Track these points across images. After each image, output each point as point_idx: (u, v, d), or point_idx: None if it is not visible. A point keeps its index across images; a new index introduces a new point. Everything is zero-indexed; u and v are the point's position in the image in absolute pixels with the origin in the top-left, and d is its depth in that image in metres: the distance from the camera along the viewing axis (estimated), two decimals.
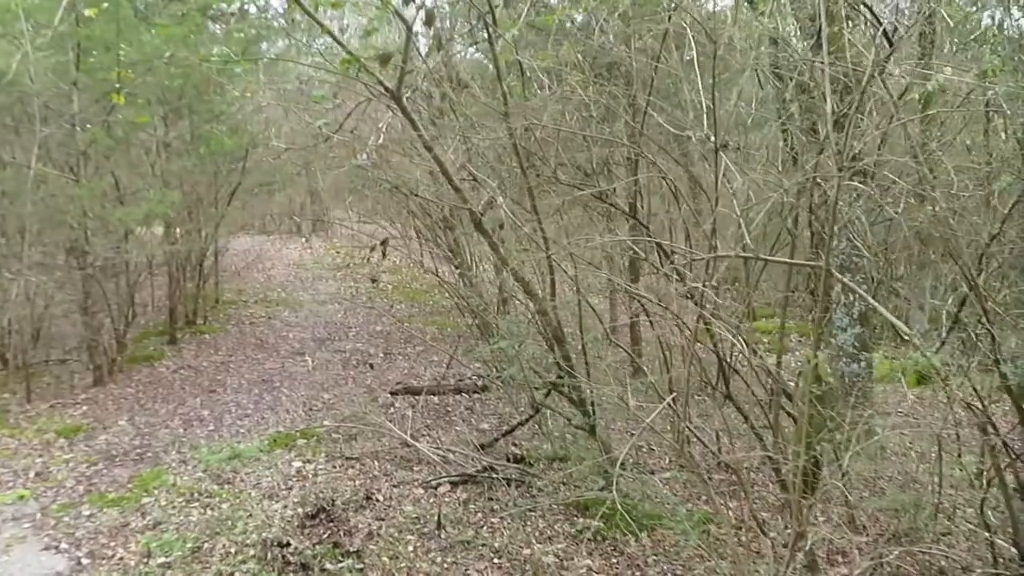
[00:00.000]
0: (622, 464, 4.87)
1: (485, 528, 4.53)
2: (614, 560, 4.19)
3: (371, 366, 8.31)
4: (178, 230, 10.11)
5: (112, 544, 4.35)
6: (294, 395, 7.28)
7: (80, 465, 5.61)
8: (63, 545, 4.35)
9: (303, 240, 19.65)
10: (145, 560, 4.11)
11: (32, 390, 7.34)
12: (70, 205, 6.99)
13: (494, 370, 6.92)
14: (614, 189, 5.62)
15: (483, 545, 4.30)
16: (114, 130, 7.64)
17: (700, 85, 4.19)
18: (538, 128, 5.08)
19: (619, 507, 3.63)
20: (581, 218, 6.78)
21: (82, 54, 7.17)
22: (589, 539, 4.33)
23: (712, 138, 3.97)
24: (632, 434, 5.02)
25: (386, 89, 4.22)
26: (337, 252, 17.69)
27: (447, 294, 11.34)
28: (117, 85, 5.38)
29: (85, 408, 6.96)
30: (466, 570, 4.05)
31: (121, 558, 4.16)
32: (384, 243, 6.80)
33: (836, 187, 3.00)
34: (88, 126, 7.15)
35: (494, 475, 5.17)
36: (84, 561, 4.15)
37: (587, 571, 4.07)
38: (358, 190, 16.54)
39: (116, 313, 8.24)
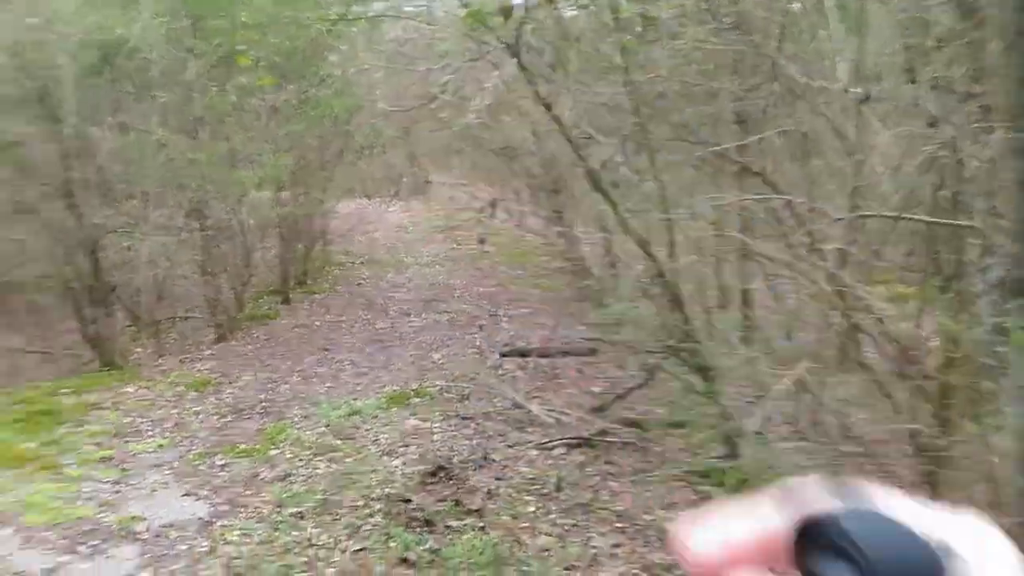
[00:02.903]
0: (742, 433, 4.74)
1: (604, 492, 4.49)
2: None
3: (480, 327, 8.37)
4: (288, 193, 10.42)
5: (246, 493, 4.54)
6: (405, 354, 7.42)
7: (211, 417, 5.89)
8: (202, 492, 4.58)
9: (404, 203, 19.93)
10: (278, 509, 4.27)
11: (161, 346, 7.76)
12: (190, 169, 7.26)
13: (604, 333, 6.87)
14: (738, 146, 5.38)
15: (603, 508, 4.27)
16: (228, 95, 7.87)
17: (835, 32, 3.93)
18: (658, 82, 4.91)
19: (744, 476, 3.51)
20: (692, 177, 6.57)
21: (197, 20, 7.39)
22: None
23: (854, 90, 3.72)
24: (753, 401, 4.87)
25: (504, 44, 4.15)
26: (437, 215, 17.87)
27: (551, 256, 11.31)
28: (241, 47, 5.49)
29: (211, 363, 7.30)
30: (587, 533, 4.02)
31: (256, 507, 4.34)
32: (493, 203, 6.78)
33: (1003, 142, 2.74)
34: (213, 90, 7.35)
35: (609, 439, 5.12)
36: (222, 508, 4.35)
37: None
38: (460, 153, 16.61)
39: (234, 273, 8.58)
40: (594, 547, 3.83)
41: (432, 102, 7.23)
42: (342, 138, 10.29)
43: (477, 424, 5.59)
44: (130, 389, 6.58)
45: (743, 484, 3.84)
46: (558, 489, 4.45)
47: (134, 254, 7.29)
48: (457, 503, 4.32)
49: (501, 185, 15.89)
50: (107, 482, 4.71)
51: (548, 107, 4.28)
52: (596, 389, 6.45)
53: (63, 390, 6.49)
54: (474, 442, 5.28)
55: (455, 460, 4.92)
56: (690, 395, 5.21)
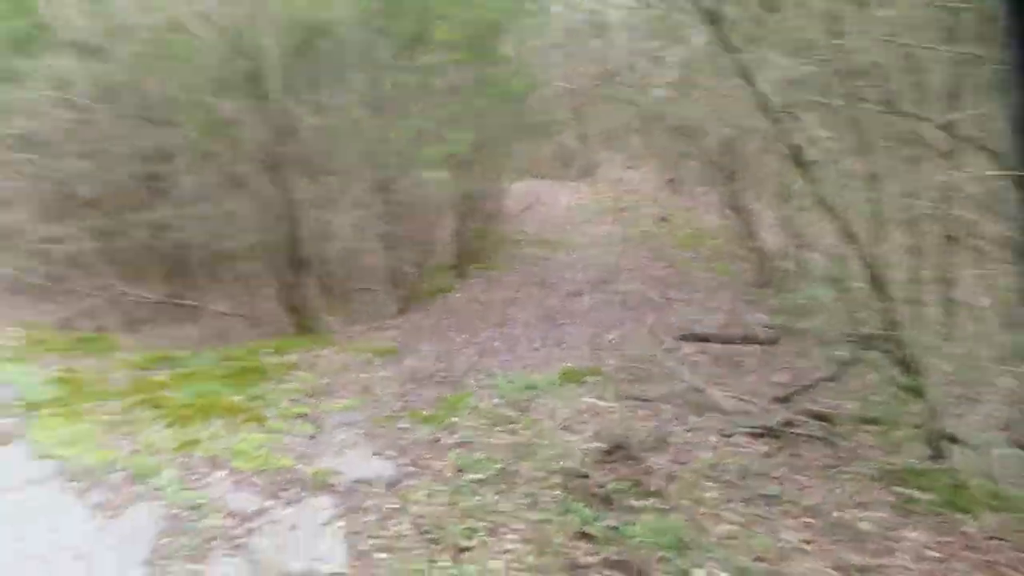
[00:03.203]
0: (953, 435, 4.34)
1: (790, 484, 4.26)
2: (948, 538, 3.73)
3: (652, 309, 8.22)
4: (465, 172, 10.70)
5: (429, 456, 4.71)
6: (578, 333, 7.41)
7: (394, 383, 6.17)
8: (389, 452, 4.80)
9: (572, 184, 19.94)
10: (459, 474, 4.39)
11: (350, 315, 8.23)
12: (380, 146, 7.59)
13: (788, 320, 6.53)
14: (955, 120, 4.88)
15: (790, 502, 4.06)
16: (415, 75, 8.16)
17: None
18: (866, 52, 4.54)
19: (956, 482, 3.20)
20: (899, 154, 6.06)
21: (390, 1, 7.70)
22: (914, 512, 3.91)
23: None
24: (966, 400, 4.45)
25: (704, 12, 3.98)
26: (606, 197, 17.74)
27: (725, 239, 10.91)
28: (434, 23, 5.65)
29: (393, 333, 7.66)
30: (774, 525, 3.83)
31: (439, 470, 4.49)
32: (673, 181, 6.61)
33: None
34: (402, 69, 7.65)
35: (795, 430, 4.86)
36: (408, 469, 4.53)
37: (915, 545, 3.68)
38: (630, 133, 16.32)
39: (416, 248, 8.94)
40: (783, 540, 3.64)
41: (613, 78, 7.15)
42: (518, 118, 10.41)
43: (653, 406, 5.48)
44: (323, 353, 7.03)
45: (956, 491, 3.52)
46: (743, 478, 4.28)
47: (328, 227, 7.76)
48: (637, 483, 4.26)
49: (673, 166, 15.53)
50: (304, 436, 5.06)
51: (747, 78, 4.07)
52: (778, 379, 6.15)
53: (265, 351, 7.05)
54: (651, 424, 5.18)
55: (632, 440, 4.85)
56: (890, 389, 4.84)
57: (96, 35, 6.73)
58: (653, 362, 6.23)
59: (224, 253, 9.16)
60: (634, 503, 4.07)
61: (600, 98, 9.24)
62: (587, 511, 3.93)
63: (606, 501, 4.07)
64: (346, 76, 7.35)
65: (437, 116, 7.84)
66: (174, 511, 3.90)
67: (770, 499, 4.10)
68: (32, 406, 5.39)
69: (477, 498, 4.10)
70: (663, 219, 12.69)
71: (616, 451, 4.77)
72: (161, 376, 6.24)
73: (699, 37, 4.99)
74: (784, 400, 5.34)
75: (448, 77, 7.88)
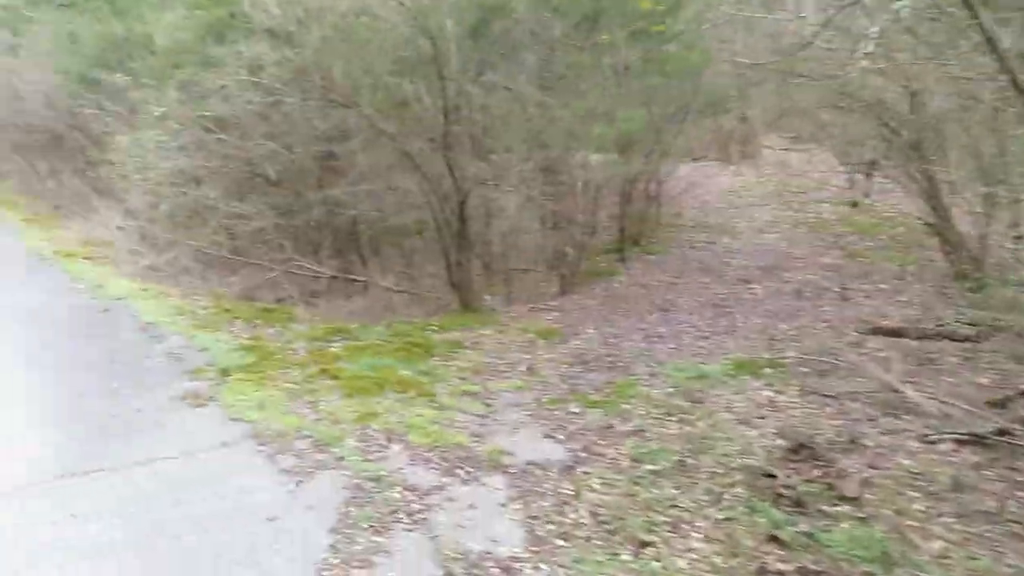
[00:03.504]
0: None
1: (1013, 502, 3.79)
2: None
3: (829, 300, 7.67)
4: (628, 153, 10.43)
5: (601, 443, 4.59)
6: (749, 322, 7.04)
7: (560, 366, 6.10)
8: (559, 436, 4.72)
9: (732, 167, 19.14)
10: (635, 464, 4.24)
11: (511, 294, 8.24)
12: (549, 126, 7.50)
13: (994, 317, 5.88)
14: None
15: (1015, 522, 3.60)
16: (587, 53, 7.99)
17: None
18: None
19: None
20: None
21: None
22: None
23: None
24: None
25: None
26: (769, 180, 16.91)
27: (908, 228, 10.06)
28: None
29: (556, 314, 7.59)
30: (998, 546, 3.42)
31: (613, 458, 4.36)
32: (873, 164, 6.07)
33: None
34: (574, 48, 7.51)
35: (1014, 440, 4.33)
36: (580, 455, 4.43)
37: None
38: (799, 114, 15.37)
39: (577, 229, 8.81)
40: (1011, 565, 3.23)
41: (804, 48, 6.68)
42: (687, 97, 10.02)
43: (840, 404, 5.08)
44: (487, 332, 7.07)
45: None
46: (955, 490, 3.85)
47: (493, 206, 7.79)
48: (829, 487, 3.94)
49: (851, 148, 14.50)
50: (475, 415, 5.07)
51: (993, 45, 3.60)
52: (983, 381, 5.54)
53: (431, 327, 7.18)
54: (838, 423, 4.80)
55: (818, 440, 4.51)
56: None
57: (288, 22, 7.03)
58: (836, 356, 5.78)
59: (392, 230, 9.45)
60: (827, 508, 3.76)
61: (780, 74, 8.64)
62: (776, 513, 3.68)
63: (796, 504, 3.79)
64: (518, 56, 7.29)
65: (608, 95, 7.64)
66: (356, 481, 4.00)
67: (990, 516, 3.67)
68: (223, 371, 5.73)
69: (656, 490, 3.94)
70: (854, 204, 11.88)
71: (801, 450, 4.44)
72: (336, 348, 6.48)
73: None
74: (999, 405, 4.78)
75: (620, 55, 7.64)
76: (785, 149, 20.25)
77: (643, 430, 4.72)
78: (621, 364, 6.08)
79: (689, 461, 4.26)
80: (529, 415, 5.09)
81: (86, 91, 13.39)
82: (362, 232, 9.48)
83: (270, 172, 9.34)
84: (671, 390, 5.41)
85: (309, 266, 9.48)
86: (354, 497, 3.83)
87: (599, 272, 9.35)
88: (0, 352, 6.35)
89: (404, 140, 7.09)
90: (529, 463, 4.31)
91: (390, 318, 8.19)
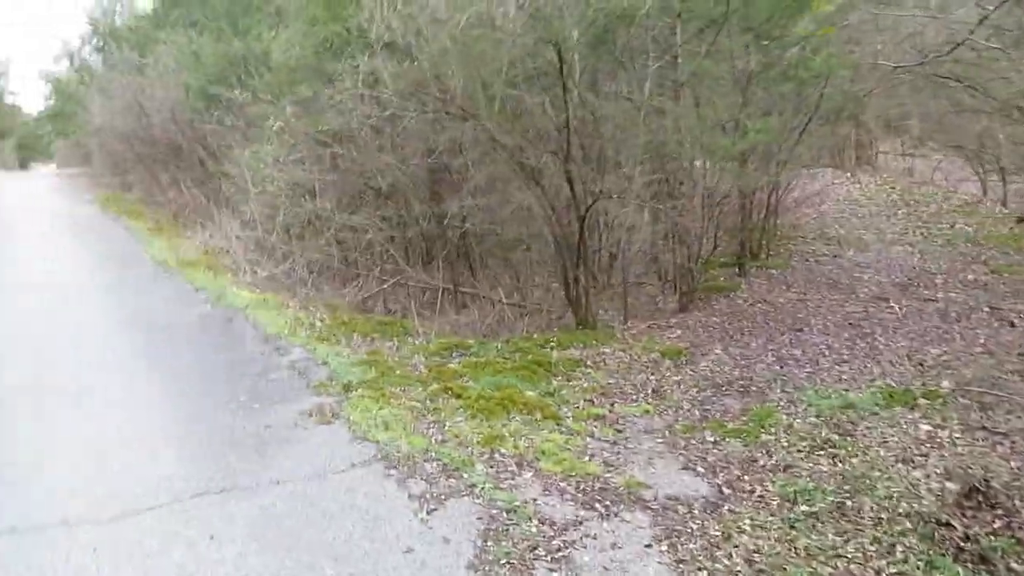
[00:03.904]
0: None
1: None
2: None
3: (980, 322, 7.05)
4: (747, 162, 9.97)
5: (745, 478, 4.27)
6: (892, 345, 6.52)
7: (690, 389, 5.78)
8: (699, 468, 4.43)
9: (847, 174, 18.23)
10: (788, 505, 3.91)
11: (628, 310, 7.95)
12: (672, 135, 7.19)
13: None
14: None
15: None
16: (711, 60, 7.64)
17: None
18: None
19: None
20: None
21: None
22: None
23: None
24: None
25: None
26: (890, 187, 16.00)
27: None
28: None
29: (678, 332, 7.26)
30: None
31: (761, 496, 4.04)
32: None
33: None
34: (698, 55, 7.19)
35: None
36: (724, 490, 4.13)
37: None
38: (939, 116, 14.42)
39: (695, 243, 8.44)
40: None
41: (953, 51, 6.18)
42: (811, 104, 9.48)
43: (1012, 442, 4.58)
44: (607, 350, 6.82)
45: None
46: None
47: (610, 220, 7.54)
48: (1018, 541, 3.50)
49: (983, 155, 13.52)
50: (605, 441, 4.83)
51: None
52: None
53: (549, 344, 6.98)
54: (1012, 464, 4.31)
55: (993, 483, 4.04)
56: None
57: (407, 34, 7.02)
58: (1001, 387, 5.25)
59: (502, 243, 9.32)
60: (1017, 567, 3.34)
61: (925, 78, 8.07)
62: (960, 570, 3.28)
63: (984, 561, 3.38)
64: (639, 64, 7.03)
65: (733, 103, 7.27)
66: (491, 511, 3.83)
67: None
68: (346, 387, 5.69)
69: (815, 536, 3.60)
70: (1020, 220, 11.07)
71: (975, 495, 3.99)
72: (456, 364, 6.37)
73: None
74: None
75: (745, 61, 7.28)
76: (908, 154, 19.17)
77: (791, 465, 4.37)
78: (755, 389, 5.72)
79: (848, 503, 3.89)
80: (663, 443, 4.81)
81: (206, 106, 13.95)
82: (473, 245, 9.40)
83: (383, 185, 9.39)
84: (815, 420, 5.02)
85: (421, 278, 9.47)
86: (489, 529, 3.66)
87: (719, 287, 8.93)
88: (133, 361, 6.54)
89: (522, 153, 6.94)
90: (670, 498, 4.04)
91: (503, 333, 8.06)
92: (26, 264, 11.71)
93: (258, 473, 4.26)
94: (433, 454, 4.49)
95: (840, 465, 4.36)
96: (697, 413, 5.32)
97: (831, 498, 3.94)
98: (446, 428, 4.93)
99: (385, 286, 9.67)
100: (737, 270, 9.41)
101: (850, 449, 4.54)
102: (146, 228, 15.44)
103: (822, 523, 3.71)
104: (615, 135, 7.10)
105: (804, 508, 3.87)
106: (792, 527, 3.67)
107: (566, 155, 6.71)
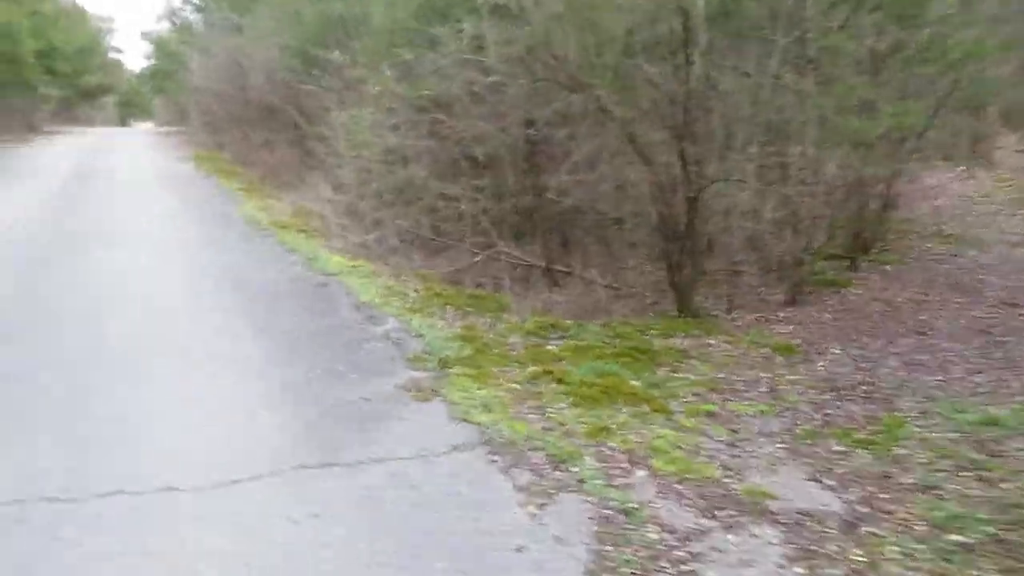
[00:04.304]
0: None
1: None
2: None
3: None
4: (864, 150, 9.33)
5: (882, 496, 3.88)
6: None
7: (808, 390, 5.37)
8: (827, 480, 4.05)
9: (960, 168, 17.10)
10: (936, 532, 3.51)
11: (731, 299, 7.54)
12: (799, 117, 6.70)
13: None
14: None
15: None
16: (843, 37, 7.07)
17: None
18: None
19: None
20: None
21: None
22: None
23: None
24: None
25: None
26: (1010, 185, 14.94)
27: None
28: None
29: (789, 327, 6.82)
30: None
31: (903, 519, 3.64)
32: None
33: None
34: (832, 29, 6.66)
35: None
36: (860, 508, 3.75)
37: None
38: None
39: (807, 233, 7.92)
40: None
41: None
42: (944, 89, 8.77)
43: None
44: (712, 341, 6.45)
45: None
46: None
47: (719, 202, 7.11)
48: None
49: None
50: (720, 441, 4.50)
51: None
52: None
53: (651, 331, 6.65)
54: None
55: None
56: None
57: None
58: None
59: (601, 222, 8.99)
60: None
61: None
62: None
63: None
64: (767, 39, 6.55)
65: (864, 85, 6.72)
66: (604, 511, 3.56)
67: None
68: (443, 363, 5.50)
69: (973, 572, 3.20)
70: None
71: None
72: (554, 346, 6.11)
73: None
74: None
75: (883, 38, 6.70)
76: None
77: (934, 486, 3.95)
78: (880, 395, 5.27)
79: (1010, 537, 3.46)
80: (784, 448, 4.45)
81: (304, 68, 13.94)
82: (569, 222, 9.09)
83: (480, 155, 9.14)
84: (954, 435, 4.56)
85: (515, 254, 9.23)
86: (605, 532, 3.39)
87: (828, 281, 8.41)
88: (232, 322, 6.51)
89: (634, 127, 6.56)
90: (800, 512, 3.68)
91: (597, 315, 7.74)
92: (122, 220, 11.96)
93: (358, 449, 4.10)
94: (537, 442, 4.24)
95: (991, 490, 3.92)
96: (818, 418, 4.92)
97: (988, 528, 3.52)
98: (548, 415, 4.68)
99: (476, 259, 9.46)
100: (848, 264, 8.84)
101: (1000, 471, 4.09)
102: (238, 187, 15.66)
103: (981, 559, 3.30)
104: (736, 112, 6.64)
105: (956, 538, 3.46)
106: (945, 560, 3.28)
107: (682, 131, 6.30)
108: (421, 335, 6.20)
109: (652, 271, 9.23)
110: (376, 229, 10.01)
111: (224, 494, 3.57)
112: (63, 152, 24.93)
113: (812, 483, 4.04)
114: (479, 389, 5.01)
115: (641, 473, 4.01)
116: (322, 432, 4.30)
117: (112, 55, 51.76)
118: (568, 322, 6.85)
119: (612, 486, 3.81)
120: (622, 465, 4.07)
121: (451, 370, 5.36)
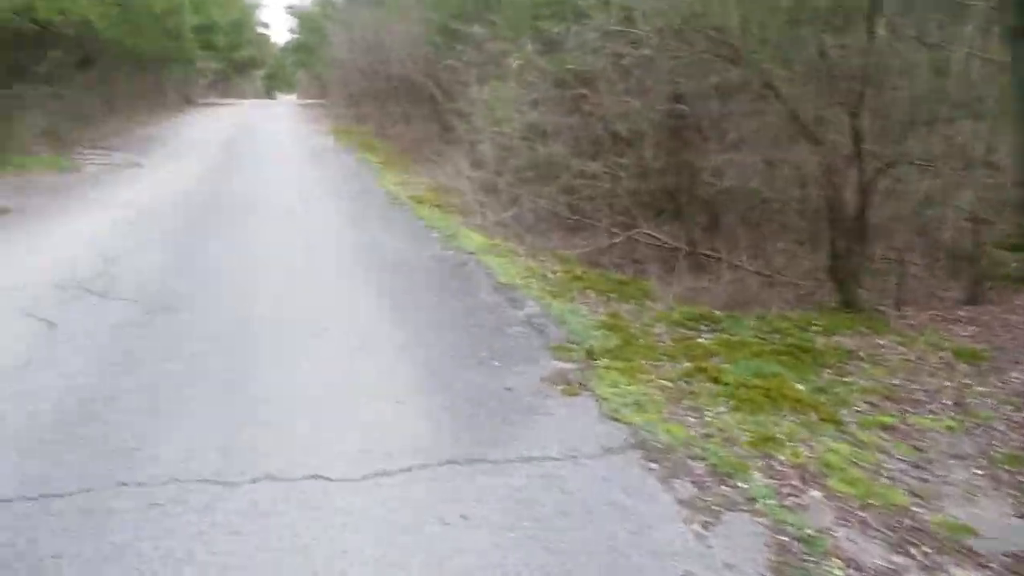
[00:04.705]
0: None
1: None
2: None
3: None
4: None
5: None
6: None
7: (1002, 405, 4.74)
8: None
9: None
10: None
11: (900, 295, 6.87)
12: (997, 90, 5.93)
13: None
14: None
15: None
16: None
17: None
18: None
19: None
20: None
21: None
22: None
23: None
24: None
25: None
26: None
27: None
28: None
29: (972, 329, 6.12)
30: None
31: None
32: None
33: None
34: None
35: None
36: None
37: None
38: None
39: (998, 222, 7.09)
40: None
41: None
42: None
43: None
44: (881, 341, 5.87)
45: None
46: None
47: (899, 187, 6.45)
48: None
49: None
50: (904, 460, 4.01)
51: None
52: None
53: (812, 327, 6.13)
54: None
55: None
56: None
57: None
58: None
59: (754, 203, 8.43)
60: None
61: None
62: None
63: None
64: (962, 4, 5.80)
65: None
66: (779, 537, 3.21)
67: None
68: (589, 353, 5.26)
69: None
70: None
71: None
72: (706, 340, 5.73)
73: None
74: None
75: None
76: None
77: None
78: None
79: None
80: (981, 473, 3.92)
81: (445, 42, 13.90)
82: (719, 203, 8.58)
83: (623, 131, 8.77)
84: None
85: (657, 235, 8.83)
86: (782, 562, 3.05)
87: (1007, 275, 7.53)
88: (374, 300, 6.51)
89: (801, 104, 6.01)
90: (1009, 556, 3.20)
91: (748, 305, 7.25)
92: (271, 194, 12.38)
93: (506, 445, 3.92)
94: (698, 450, 3.92)
95: None
96: (1017, 439, 4.33)
97: None
98: (707, 419, 4.34)
99: (615, 240, 9.13)
100: None
101: None
102: (377, 161, 15.95)
103: None
104: (924, 90, 5.95)
105: None
106: None
107: (856, 109, 5.70)
108: (564, 322, 5.97)
109: (804, 257, 8.61)
110: (513, 206, 9.84)
111: (374, 488, 3.48)
112: (214, 126, 26.30)
113: (1021, 521, 3.53)
114: (629, 385, 4.73)
115: (815, 493, 3.62)
116: (469, 425, 4.16)
117: (260, 30, 54.25)
118: (718, 313, 6.43)
119: (785, 507, 3.45)
120: (793, 482, 3.70)
121: (598, 362, 5.11)
